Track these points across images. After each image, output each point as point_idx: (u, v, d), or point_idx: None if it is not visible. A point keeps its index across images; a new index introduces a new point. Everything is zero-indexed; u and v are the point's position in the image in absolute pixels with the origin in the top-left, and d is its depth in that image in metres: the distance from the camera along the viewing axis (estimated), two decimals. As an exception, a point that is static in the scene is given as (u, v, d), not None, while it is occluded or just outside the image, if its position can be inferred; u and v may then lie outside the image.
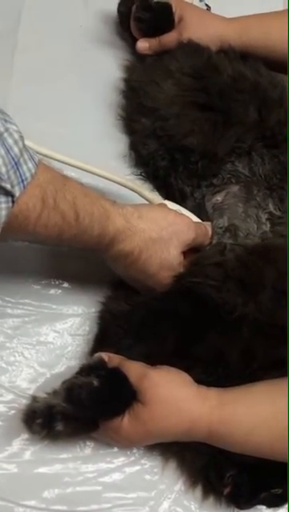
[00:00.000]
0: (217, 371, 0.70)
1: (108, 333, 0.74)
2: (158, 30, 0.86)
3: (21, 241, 0.59)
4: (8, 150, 0.52)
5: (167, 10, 0.85)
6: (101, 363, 0.68)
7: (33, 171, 0.54)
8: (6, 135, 0.52)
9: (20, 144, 0.53)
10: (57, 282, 0.79)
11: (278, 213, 0.78)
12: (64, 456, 0.71)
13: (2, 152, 0.51)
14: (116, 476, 0.71)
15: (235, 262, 0.72)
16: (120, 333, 0.73)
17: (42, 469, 0.70)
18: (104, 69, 0.91)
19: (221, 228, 0.79)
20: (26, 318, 0.77)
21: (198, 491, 0.72)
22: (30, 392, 0.72)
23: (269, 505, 0.70)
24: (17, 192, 0.53)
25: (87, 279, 0.79)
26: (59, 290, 0.79)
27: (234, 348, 0.70)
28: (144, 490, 0.71)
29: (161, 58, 0.86)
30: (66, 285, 0.79)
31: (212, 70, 0.82)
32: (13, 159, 0.52)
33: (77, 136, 0.86)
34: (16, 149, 0.53)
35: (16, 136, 0.53)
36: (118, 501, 0.70)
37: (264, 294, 0.70)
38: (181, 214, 0.76)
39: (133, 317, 0.73)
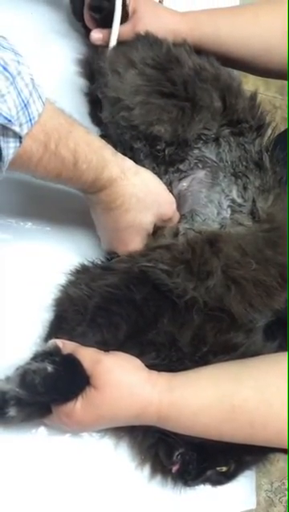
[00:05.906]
0: (170, 355, 0.72)
1: (65, 319, 0.75)
2: (112, 22, 0.85)
3: (23, 174, 0.65)
4: (19, 93, 0.55)
5: (121, 1, 0.84)
6: (55, 350, 0.69)
7: (40, 110, 0.58)
8: (18, 78, 0.55)
9: (30, 85, 0.57)
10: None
11: (239, 201, 0.80)
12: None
13: (14, 95, 0.55)
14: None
15: (186, 245, 0.74)
16: (78, 318, 0.74)
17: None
18: (59, 59, 0.90)
19: (183, 215, 0.80)
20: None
21: (147, 469, 0.74)
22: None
23: (213, 484, 0.73)
24: (24, 130, 0.57)
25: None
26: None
27: (185, 332, 0.72)
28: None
29: (121, 49, 0.85)
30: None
31: (174, 62, 0.82)
32: (23, 101, 0.56)
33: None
34: (26, 91, 0.56)
35: (27, 78, 0.56)
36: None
37: (212, 280, 0.72)
38: (169, 191, 0.79)
39: (89, 303, 0.74)
